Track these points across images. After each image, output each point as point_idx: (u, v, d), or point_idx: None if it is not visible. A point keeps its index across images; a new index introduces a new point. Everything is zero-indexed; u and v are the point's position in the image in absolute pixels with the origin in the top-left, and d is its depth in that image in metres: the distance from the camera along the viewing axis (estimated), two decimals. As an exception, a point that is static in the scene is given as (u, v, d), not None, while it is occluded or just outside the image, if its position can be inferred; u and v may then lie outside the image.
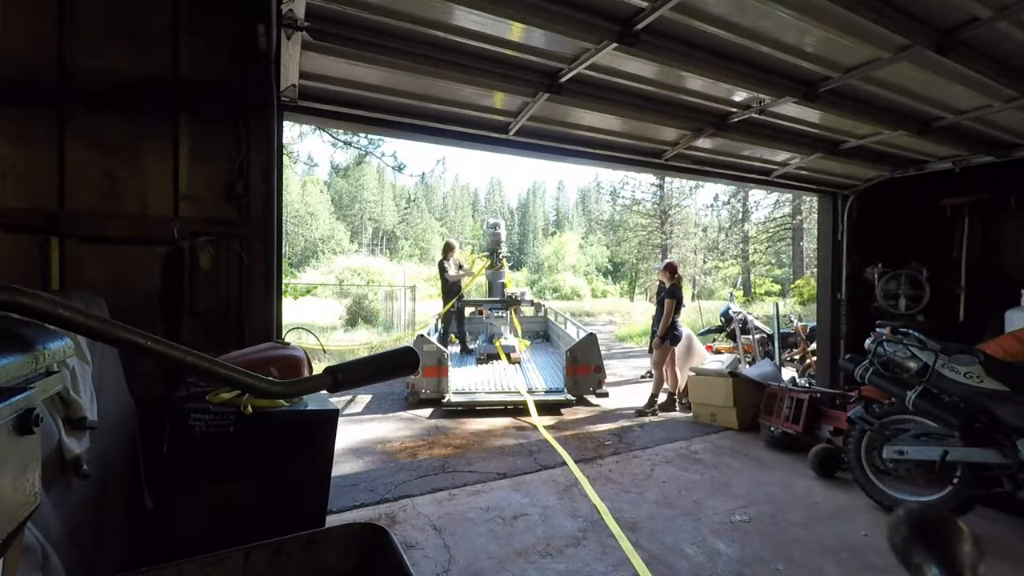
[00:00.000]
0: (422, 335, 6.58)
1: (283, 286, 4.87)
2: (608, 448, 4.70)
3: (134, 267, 2.31)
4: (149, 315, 2.31)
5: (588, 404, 6.42)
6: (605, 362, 6.79)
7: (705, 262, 30.15)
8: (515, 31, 2.69)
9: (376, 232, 53.15)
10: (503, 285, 12.02)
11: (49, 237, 2.12)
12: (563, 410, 6.10)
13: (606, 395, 6.55)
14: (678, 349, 6.49)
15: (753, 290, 25.34)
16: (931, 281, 5.30)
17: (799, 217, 25.29)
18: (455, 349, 9.01)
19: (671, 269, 6.39)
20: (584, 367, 6.52)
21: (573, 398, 6.20)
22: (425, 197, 61.06)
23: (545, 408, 5.98)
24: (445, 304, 8.20)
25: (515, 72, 3.10)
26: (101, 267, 2.23)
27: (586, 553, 2.83)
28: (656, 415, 5.98)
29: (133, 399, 2.10)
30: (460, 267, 8.53)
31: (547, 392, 6.45)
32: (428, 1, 2.43)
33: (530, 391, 6.43)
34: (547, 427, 5.34)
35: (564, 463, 4.26)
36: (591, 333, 6.86)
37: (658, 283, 6.64)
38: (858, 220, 5.66)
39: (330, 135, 13.19)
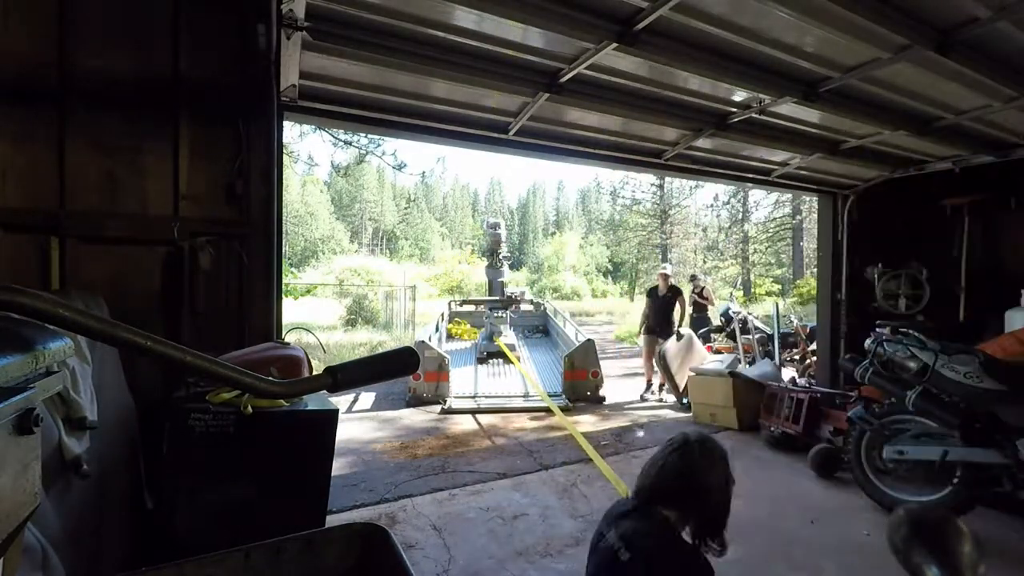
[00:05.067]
0: (423, 341, 6.59)
1: (283, 286, 4.87)
2: (607, 448, 4.70)
3: (134, 267, 2.31)
4: (149, 315, 2.31)
5: (586, 406, 6.43)
6: (601, 362, 6.84)
7: (705, 262, 30.15)
8: (515, 31, 2.69)
9: (376, 232, 53.13)
10: (503, 284, 12.06)
11: (49, 237, 2.12)
12: (562, 412, 6.11)
13: (603, 399, 6.58)
14: (679, 349, 6.53)
15: (753, 290, 25.34)
16: (931, 281, 5.30)
17: (799, 217, 25.27)
18: (455, 345, 9.06)
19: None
20: (582, 372, 6.60)
21: (571, 404, 6.25)
22: (425, 197, 61.03)
23: (544, 411, 6.00)
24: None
25: (515, 72, 3.10)
26: (101, 267, 2.23)
27: (586, 553, 2.82)
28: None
29: (133, 399, 2.10)
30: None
31: (547, 396, 6.49)
32: (428, 1, 2.43)
33: (527, 395, 6.48)
34: (545, 427, 5.34)
35: (564, 463, 4.26)
36: (589, 339, 6.92)
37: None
38: (858, 220, 5.66)
39: (330, 135, 13.19)
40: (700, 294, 9.02)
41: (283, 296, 3.42)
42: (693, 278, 9.86)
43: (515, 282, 26.22)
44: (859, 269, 5.61)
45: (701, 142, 4.22)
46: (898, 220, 5.67)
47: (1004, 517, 3.24)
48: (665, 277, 7.07)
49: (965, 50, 2.78)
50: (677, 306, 6.85)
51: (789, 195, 22.78)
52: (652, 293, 7.15)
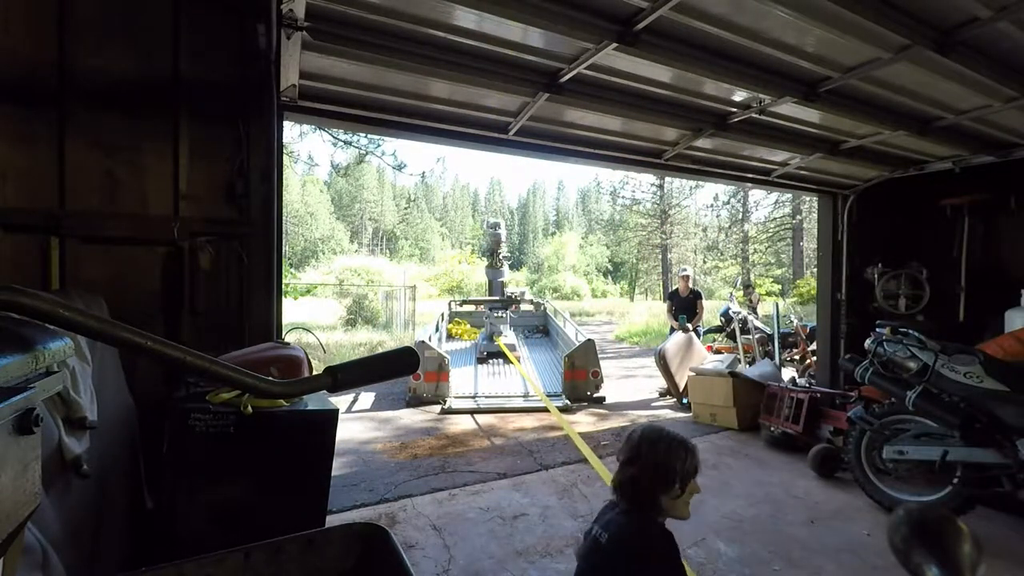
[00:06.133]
0: (423, 341, 6.59)
1: (283, 286, 4.87)
2: (607, 448, 4.70)
3: (134, 267, 2.31)
4: (149, 315, 2.31)
5: (586, 406, 6.44)
6: (601, 362, 6.84)
7: (705, 262, 30.17)
8: (515, 31, 2.69)
9: (376, 232, 53.13)
10: (503, 284, 12.08)
11: (49, 237, 2.11)
12: (562, 412, 6.12)
13: (603, 399, 6.58)
14: (679, 349, 6.55)
15: (753, 290, 25.31)
16: (931, 281, 5.30)
17: (799, 217, 25.30)
18: (455, 345, 9.06)
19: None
20: (582, 372, 6.61)
21: (572, 404, 6.25)
22: (425, 197, 61.02)
23: (544, 411, 6.00)
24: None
25: (515, 72, 3.10)
26: (101, 267, 2.23)
27: (586, 553, 2.83)
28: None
29: (133, 399, 2.10)
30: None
31: (545, 396, 6.50)
32: (428, 1, 2.43)
33: (527, 395, 6.49)
34: (546, 427, 5.34)
35: (564, 463, 4.26)
36: (589, 339, 6.93)
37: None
38: (858, 220, 5.66)
39: (330, 135, 13.20)
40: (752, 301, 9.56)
41: (283, 296, 3.42)
42: (747, 287, 10.48)
43: (515, 282, 26.22)
44: (859, 269, 5.61)
45: (701, 142, 4.22)
46: (898, 220, 5.67)
47: (1004, 517, 3.25)
48: (686, 279, 7.65)
49: (965, 50, 2.78)
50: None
51: (789, 195, 22.80)
52: (674, 295, 7.69)
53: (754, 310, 9.07)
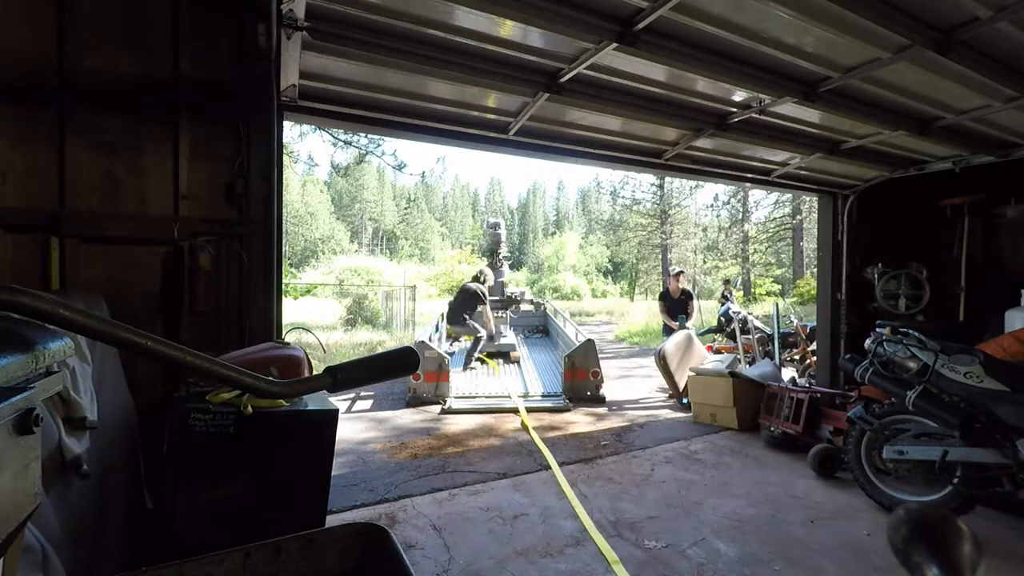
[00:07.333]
0: (423, 341, 6.60)
1: (283, 286, 4.87)
2: (607, 448, 4.70)
3: (134, 267, 2.31)
4: (149, 315, 2.31)
5: (587, 406, 6.44)
6: (601, 362, 6.85)
7: (705, 262, 30.17)
8: (515, 31, 2.69)
9: (376, 232, 53.14)
10: (503, 284, 12.08)
11: (49, 237, 2.12)
12: (562, 412, 6.12)
13: (603, 399, 6.59)
14: (678, 348, 6.55)
15: (753, 290, 25.36)
16: (931, 281, 5.30)
17: (799, 217, 25.30)
18: (455, 346, 9.05)
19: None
20: (582, 372, 6.62)
21: (571, 404, 6.25)
22: (425, 197, 61.05)
23: (543, 411, 6.01)
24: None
25: (515, 72, 3.10)
26: (101, 267, 2.23)
27: (586, 553, 2.83)
28: None
29: (133, 399, 2.10)
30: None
31: (545, 396, 6.52)
32: (428, 1, 2.43)
33: (527, 395, 6.51)
34: (546, 427, 5.34)
35: (564, 463, 4.26)
36: (589, 339, 6.94)
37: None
38: (858, 220, 5.66)
39: (330, 135, 13.21)
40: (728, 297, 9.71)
41: (283, 296, 3.42)
42: (727, 282, 10.53)
43: (515, 282, 26.23)
44: (859, 269, 5.61)
45: (701, 142, 4.22)
46: (898, 220, 5.67)
47: (1004, 517, 3.25)
48: (677, 277, 7.68)
49: (965, 50, 2.78)
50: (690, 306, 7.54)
51: (789, 195, 22.81)
52: (665, 295, 7.66)
53: (727, 298, 9.17)
